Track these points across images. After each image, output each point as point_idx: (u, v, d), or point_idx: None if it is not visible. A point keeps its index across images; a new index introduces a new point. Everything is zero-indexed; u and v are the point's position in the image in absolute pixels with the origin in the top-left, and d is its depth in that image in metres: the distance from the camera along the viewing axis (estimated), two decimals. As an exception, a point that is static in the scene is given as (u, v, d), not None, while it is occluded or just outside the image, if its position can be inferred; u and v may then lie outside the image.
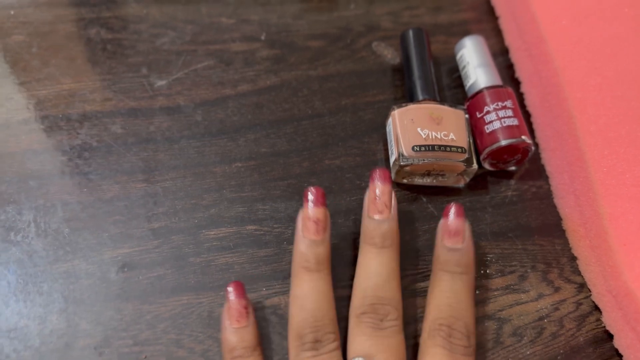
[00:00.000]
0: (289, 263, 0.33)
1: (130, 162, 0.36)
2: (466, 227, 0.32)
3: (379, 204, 0.32)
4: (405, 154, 0.35)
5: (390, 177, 0.33)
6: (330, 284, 0.31)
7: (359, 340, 0.29)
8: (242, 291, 0.30)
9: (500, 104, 0.36)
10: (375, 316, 0.29)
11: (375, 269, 0.30)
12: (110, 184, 0.35)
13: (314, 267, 0.30)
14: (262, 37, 0.42)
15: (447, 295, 0.30)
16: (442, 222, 0.32)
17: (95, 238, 0.33)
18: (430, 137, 0.35)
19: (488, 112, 0.37)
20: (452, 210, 0.32)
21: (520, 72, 0.41)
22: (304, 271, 0.30)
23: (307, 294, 0.30)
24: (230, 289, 0.30)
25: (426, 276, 0.34)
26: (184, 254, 0.33)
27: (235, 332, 0.29)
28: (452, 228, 0.32)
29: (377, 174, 0.32)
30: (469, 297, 0.31)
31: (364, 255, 0.31)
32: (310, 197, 0.31)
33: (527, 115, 0.40)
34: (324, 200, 0.31)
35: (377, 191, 0.32)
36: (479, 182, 0.38)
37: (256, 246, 0.34)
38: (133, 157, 0.36)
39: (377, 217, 0.31)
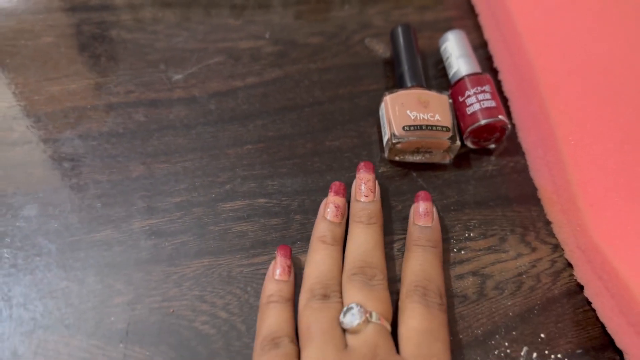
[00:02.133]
0: (296, 230, 0.38)
1: (153, 145, 0.40)
2: (434, 210, 0.38)
3: (364, 189, 0.38)
4: (396, 133, 0.39)
5: (374, 168, 0.39)
6: (341, 255, 0.35)
7: (352, 293, 0.33)
8: (289, 253, 0.36)
9: (479, 88, 0.41)
10: (364, 276, 0.33)
11: (363, 240, 0.35)
12: (136, 164, 0.40)
13: (330, 241, 0.35)
14: (267, 36, 0.47)
15: (420, 262, 0.35)
16: (414, 206, 0.38)
17: (125, 211, 0.38)
18: (419, 118, 0.40)
19: (469, 96, 0.41)
20: (422, 196, 0.38)
21: (498, 63, 0.46)
22: (320, 243, 0.35)
23: (322, 259, 0.35)
24: (279, 250, 0.35)
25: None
26: (204, 223, 0.38)
27: (277, 283, 0.34)
28: (423, 210, 0.38)
29: (362, 165, 0.39)
30: (439, 266, 0.36)
31: (353, 230, 0.36)
32: (334, 188, 0.38)
33: (504, 100, 0.45)
34: (344, 192, 0.38)
35: (363, 179, 0.38)
36: (463, 159, 0.42)
37: (267, 216, 0.38)
38: (155, 142, 0.41)
39: (363, 199, 0.37)
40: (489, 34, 0.47)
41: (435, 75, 0.47)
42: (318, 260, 0.34)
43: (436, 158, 0.42)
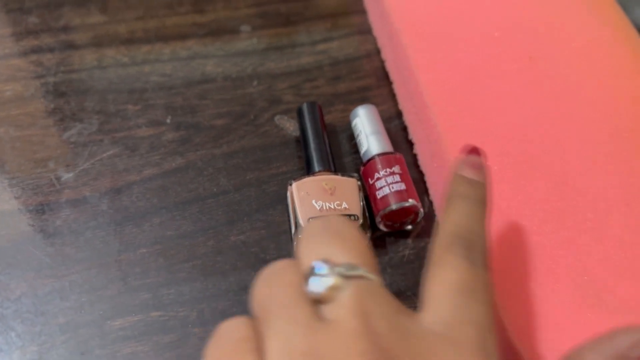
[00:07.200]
0: (194, 346, 0.35)
1: (38, 258, 0.37)
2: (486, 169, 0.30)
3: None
4: (302, 226, 0.37)
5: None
6: None
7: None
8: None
9: (388, 170, 0.39)
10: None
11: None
12: (19, 282, 0.36)
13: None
14: (168, 121, 0.44)
15: (466, 214, 0.27)
16: (461, 157, 0.30)
17: (4, 338, 0.34)
18: (325, 208, 0.37)
19: (378, 179, 0.39)
20: (474, 149, 0.30)
21: (413, 135, 0.44)
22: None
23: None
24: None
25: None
26: (89, 347, 0.34)
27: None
28: (475, 162, 0.29)
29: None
30: (486, 231, 0.27)
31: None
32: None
33: (421, 175, 0.42)
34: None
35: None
36: (378, 243, 0.40)
37: (161, 332, 0.35)
38: (40, 254, 0.37)
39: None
40: (402, 104, 0.45)
41: (349, 151, 0.44)
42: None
43: (349, 247, 0.39)
